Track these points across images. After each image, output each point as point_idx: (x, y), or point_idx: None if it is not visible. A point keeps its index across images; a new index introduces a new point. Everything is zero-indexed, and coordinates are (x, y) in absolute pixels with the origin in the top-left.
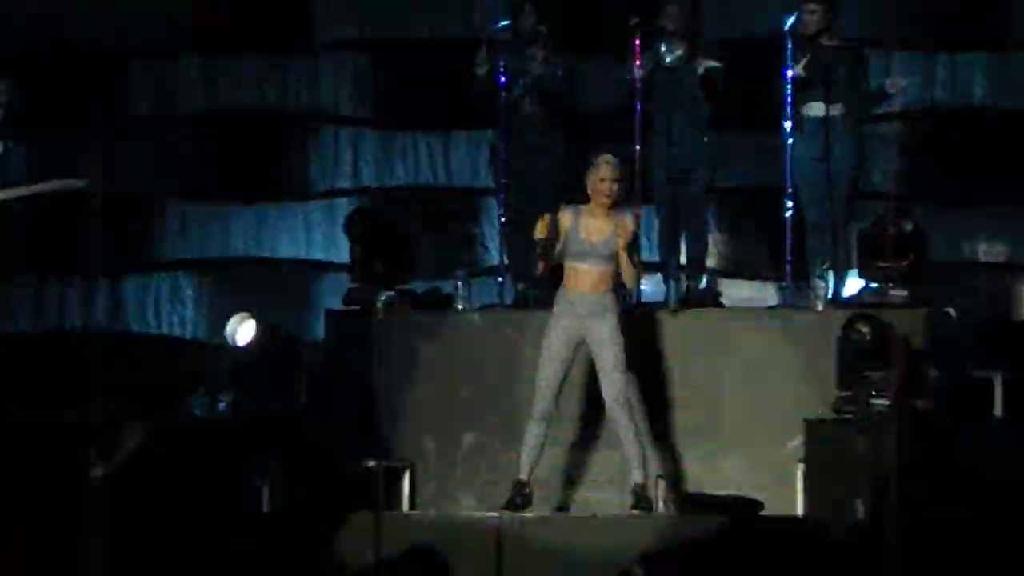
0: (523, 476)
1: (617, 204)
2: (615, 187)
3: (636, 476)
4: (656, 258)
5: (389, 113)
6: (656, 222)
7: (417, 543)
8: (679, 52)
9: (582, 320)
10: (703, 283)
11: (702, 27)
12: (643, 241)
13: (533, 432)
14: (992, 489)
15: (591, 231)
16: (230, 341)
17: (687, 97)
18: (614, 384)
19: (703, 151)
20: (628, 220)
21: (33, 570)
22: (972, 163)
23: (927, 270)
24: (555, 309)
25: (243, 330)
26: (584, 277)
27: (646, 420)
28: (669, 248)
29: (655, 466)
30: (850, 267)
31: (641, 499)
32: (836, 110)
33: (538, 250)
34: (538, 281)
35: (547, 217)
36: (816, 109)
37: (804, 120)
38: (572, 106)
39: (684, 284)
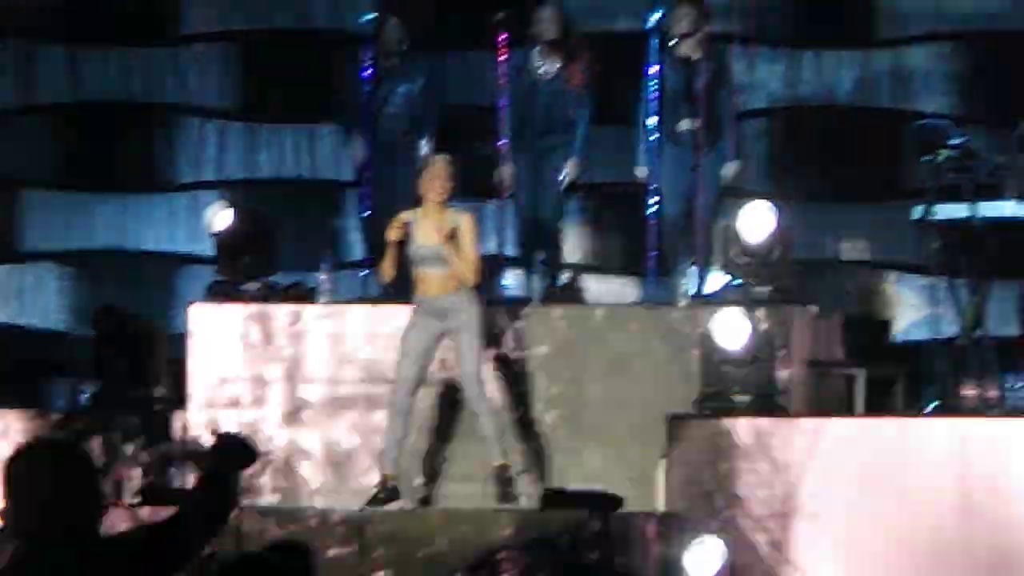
0: (388, 471)
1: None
2: (447, 185)
3: (495, 456)
4: (515, 253)
5: (254, 105)
6: (516, 219)
7: (281, 536)
8: (553, 65)
9: (439, 318)
10: (563, 279)
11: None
12: (505, 236)
13: (393, 427)
14: None
15: (427, 234)
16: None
17: (553, 107)
18: (471, 363)
19: (562, 152)
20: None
21: None
22: (835, 160)
23: (791, 267)
24: (412, 312)
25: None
26: (431, 280)
27: (502, 409)
28: (529, 243)
29: (519, 459)
30: (709, 264)
31: (503, 482)
32: (697, 123)
33: (387, 252)
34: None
35: (399, 219)
36: (685, 124)
37: (677, 134)
38: (435, 109)
39: (547, 279)
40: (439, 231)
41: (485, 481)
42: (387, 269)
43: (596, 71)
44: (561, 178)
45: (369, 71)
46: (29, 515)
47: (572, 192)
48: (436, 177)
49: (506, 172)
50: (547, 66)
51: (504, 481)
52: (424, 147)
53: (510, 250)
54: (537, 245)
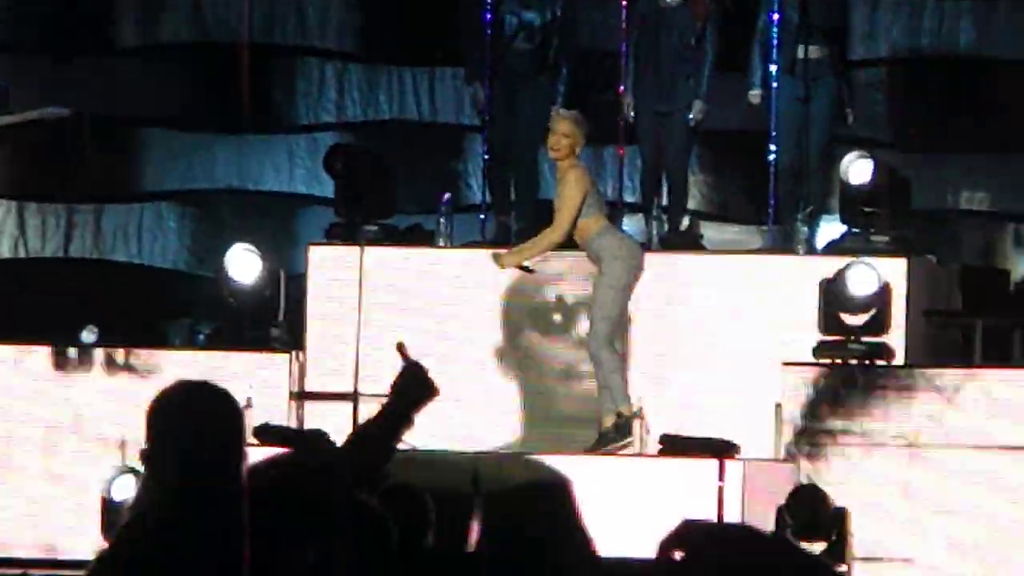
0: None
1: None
2: (563, 142)
3: (617, 402)
4: (636, 199)
5: (375, 47)
6: (639, 163)
7: (397, 480)
8: None
9: (591, 264)
10: (682, 225)
11: None
12: (626, 182)
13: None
14: None
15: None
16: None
17: (678, 39)
18: (598, 308)
19: (688, 94)
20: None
21: None
22: (956, 110)
23: (909, 217)
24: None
25: (857, 168)
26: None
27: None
28: (650, 189)
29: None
30: (824, 212)
31: (620, 428)
32: (819, 52)
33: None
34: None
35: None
36: (805, 52)
37: (789, 62)
38: (566, 47)
39: (665, 225)
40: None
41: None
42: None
43: (722, 3)
44: (689, 119)
45: (489, 15)
46: (176, 458)
47: (695, 135)
48: (552, 132)
49: (628, 115)
50: None
51: (621, 427)
52: (559, 89)
53: (629, 195)
54: (659, 190)
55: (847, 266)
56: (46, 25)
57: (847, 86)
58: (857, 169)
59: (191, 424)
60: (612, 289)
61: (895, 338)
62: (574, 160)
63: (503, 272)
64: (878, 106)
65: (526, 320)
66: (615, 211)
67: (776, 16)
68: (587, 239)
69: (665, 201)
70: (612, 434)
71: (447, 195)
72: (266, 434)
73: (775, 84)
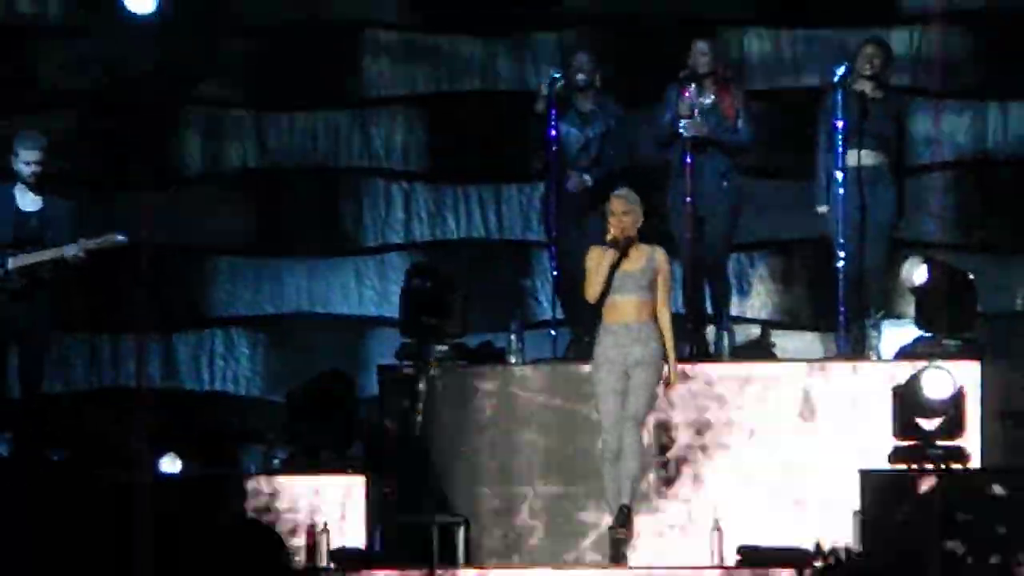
0: (617, 522)
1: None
2: (624, 220)
3: (625, 496)
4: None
5: (440, 167)
6: (679, 272)
7: None
8: (711, 97)
9: (625, 348)
10: (753, 334)
11: (733, 69)
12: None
13: (608, 474)
14: None
15: (624, 263)
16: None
17: (710, 142)
18: (641, 401)
19: (728, 199)
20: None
21: None
22: (1022, 211)
23: (978, 319)
24: (598, 347)
25: (918, 272)
26: (624, 307)
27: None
28: (694, 296)
29: (706, 515)
30: (890, 316)
31: (622, 518)
32: (876, 159)
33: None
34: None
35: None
36: (853, 158)
37: (847, 169)
38: (622, 156)
39: (734, 334)
40: (636, 260)
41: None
42: (597, 286)
43: (743, 99)
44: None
45: (554, 131)
46: None
47: (732, 234)
48: (613, 212)
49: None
50: (703, 97)
51: (625, 516)
52: (587, 180)
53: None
54: (699, 298)
55: (921, 370)
56: (108, 157)
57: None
58: (915, 272)
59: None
60: (657, 377)
61: (971, 442)
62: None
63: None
64: (946, 210)
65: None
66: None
67: (841, 123)
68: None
69: (709, 308)
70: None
71: (517, 311)
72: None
73: (841, 191)
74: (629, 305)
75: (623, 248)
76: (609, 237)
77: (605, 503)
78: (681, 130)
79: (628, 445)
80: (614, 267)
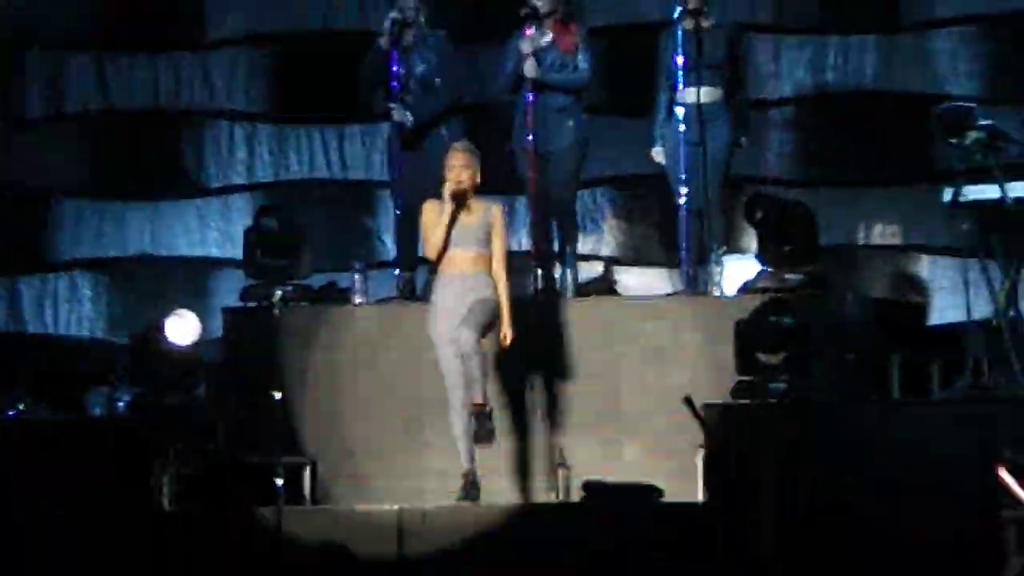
0: (467, 464)
1: (466, 192)
2: (463, 173)
3: (478, 396)
4: (525, 247)
5: (283, 107)
6: (523, 212)
7: (322, 538)
8: (549, 35)
9: (461, 296)
10: (597, 271)
11: (574, 7)
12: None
13: (458, 422)
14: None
15: (461, 220)
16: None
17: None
18: (472, 319)
19: (571, 136)
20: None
21: None
22: (864, 145)
23: (822, 253)
24: (433, 296)
25: (183, 329)
26: (459, 260)
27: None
28: (539, 234)
29: (556, 455)
30: (732, 252)
31: (481, 418)
32: (714, 95)
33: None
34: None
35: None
36: (691, 95)
37: (687, 106)
38: (452, 90)
39: (577, 271)
40: (473, 215)
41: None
42: (438, 243)
43: (584, 36)
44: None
45: (396, 69)
46: None
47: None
48: (452, 166)
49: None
50: (543, 36)
51: (482, 417)
52: (443, 133)
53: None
54: (547, 236)
55: (762, 304)
56: None
57: (739, 119)
58: (753, 206)
59: None
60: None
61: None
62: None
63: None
64: (786, 145)
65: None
66: (525, 262)
67: (681, 59)
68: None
69: (556, 246)
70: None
71: (361, 252)
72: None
73: (682, 127)
74: (466, 258)
75: (459, 203)
76: (446, 191)
77: (456, 447)
78: (524, 72)
79: (466, 351)
80: (452, 221)
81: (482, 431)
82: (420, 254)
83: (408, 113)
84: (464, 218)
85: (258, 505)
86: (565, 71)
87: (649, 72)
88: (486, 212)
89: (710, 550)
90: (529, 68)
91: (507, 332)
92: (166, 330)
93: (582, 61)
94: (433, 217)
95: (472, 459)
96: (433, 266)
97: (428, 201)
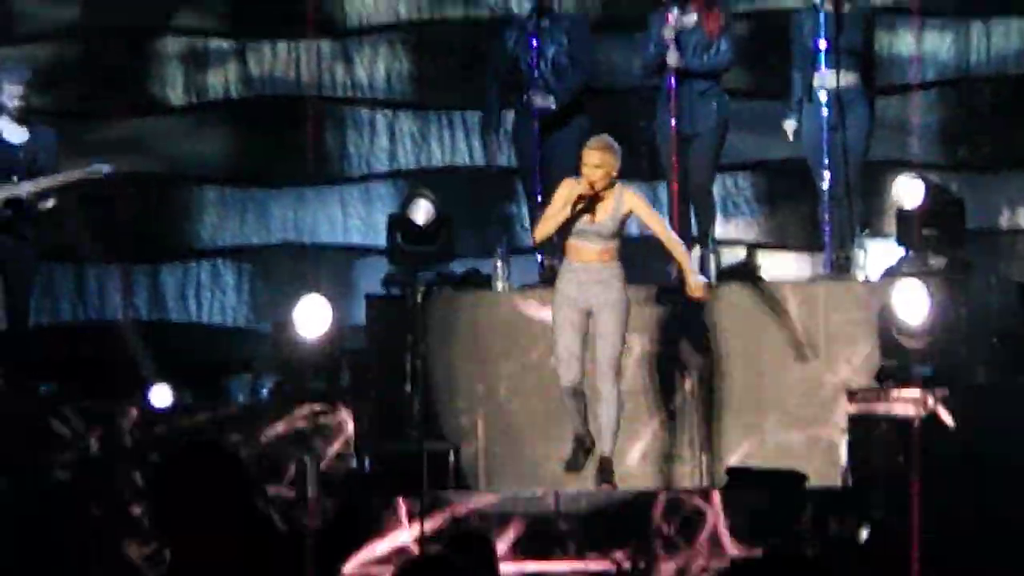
0: (582, 435)
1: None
2: (595, 173)
3: (606, 447)
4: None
5: (424, 95)
6: (664, 195)
7: (463, 523)
8: (693, 16)
9: (586, 288)
10: (739, 256)
11: None
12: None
13: (571, 404)
14: None
15: (594, 212)
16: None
17: (697, 60)
18: (610, 345)
19: (713, 118)
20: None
21: None
22: (1007, 128)
23: (965, 237)
24: (559, 283)
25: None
26: (586, 250)
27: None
28: (678, 220)
29: (697, 441)
30: (872, 235)
31: (605, 473)
32: (852, 78)
33: (569, 211)
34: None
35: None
36: (830, 79)
37: (826, 90)
38: (582, 73)
39: (720, 256)
40: (604, 208)
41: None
42: (546, 232)
43: (730, 18)
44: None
45: (534, 56)
46: (175, 518)
47: (719, 156)
48: (585, 164)
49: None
50: (685, 18)
51: (606, 473)
52: (583, 125)
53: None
54: (686, 223)
55: (898, 288)
56: (87, 88)
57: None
58: (908, 190)
59: (192, 484)
60: (625, 320)
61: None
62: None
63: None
64: (929, 129)
65: None
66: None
67: (823, 43)
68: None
69: (694, 230)
70: (600, 477)
71: (502, 238)
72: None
73: (825, 111)
74: (592, 250)
75: (588, 204)
76: (579, 190)
77: (574, 434)
78: (668, 61)
79: (606, 394)
80: (575, 217)
81: (607, 480)
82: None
83: (551, 97)
84: (590, 217)
85: (402, 492)
86: (707, 54)
87: (788, 55)
88: (617, 203)
89: (852, 536)
90: (672, 57)
91: (694, 284)
92: (295, 320)
93: (724, 44)
94: (565, 194)
95: (589, 432)
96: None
97: (567, 181)
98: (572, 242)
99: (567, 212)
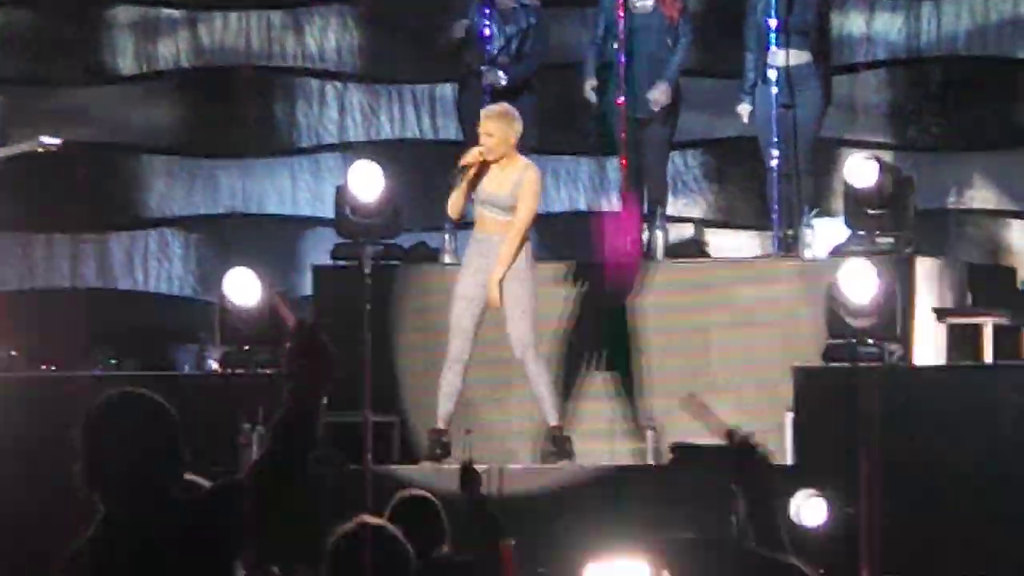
0: (440, 425)
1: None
2: (488, 140)
3: (551, 419)
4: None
5: (374, 66)
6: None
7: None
8: (650, 2)
9: (489, 259)
10: (688, 233)
11: None
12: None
13: (447, 378)
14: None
15: (493, 180)
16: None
17: (654, 43)
18: (519, 323)
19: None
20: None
21: None
22: (957, 109)
23: (913, 216)
24: (465, 252)
25: (864, 171)
26: (490, 221)
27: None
28: (629, 197)
29: (642, 418)
30: (823, 215)
31: (556, 442)
32: (803, 57)
33: (459, 182)
34: None
35: (472, 153)
36: (780, 58)
37: (777, 68)
38: (537, 55)
39: (668, 233)
40: (505, 180)
41: (609, 440)
42: (456, 204)
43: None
44: (651, 106)
45: (488, 31)
46: (105, 470)
47: (671, 139)
48: (480, 131)
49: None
50: (640, 3)
51: (558, 441)
52: (501, 78)
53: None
54: (652, 199)
55: (845, 267)
56: (37, 55)
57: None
58: (861, 171)
59: (124, 436)
60: (534, 293)
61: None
62: (520, 158)
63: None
64: (879, 108)
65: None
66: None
67: (774, 22)
68: None
69: (645, 209)
70: (548, 452)
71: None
72: None
73: (775, 90)
74: (492, 220)
75: (478, 171)
76: (469, 157)
77: (438, 407)
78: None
79: (529, 371)
80: (473, 185)
81: (561, 454)
82: None
83: (501, 74)
84: (490, 186)
85: (348, 463)
86: (667, 42)
87: (741, 35)
88: (519, 177)
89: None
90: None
91: (492, 293)
92: (225, 289)
93: (683, 34)
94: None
95: (448, 420)
96: None
97: (472, 149)
98: (477, 210)
99: (463, 185)
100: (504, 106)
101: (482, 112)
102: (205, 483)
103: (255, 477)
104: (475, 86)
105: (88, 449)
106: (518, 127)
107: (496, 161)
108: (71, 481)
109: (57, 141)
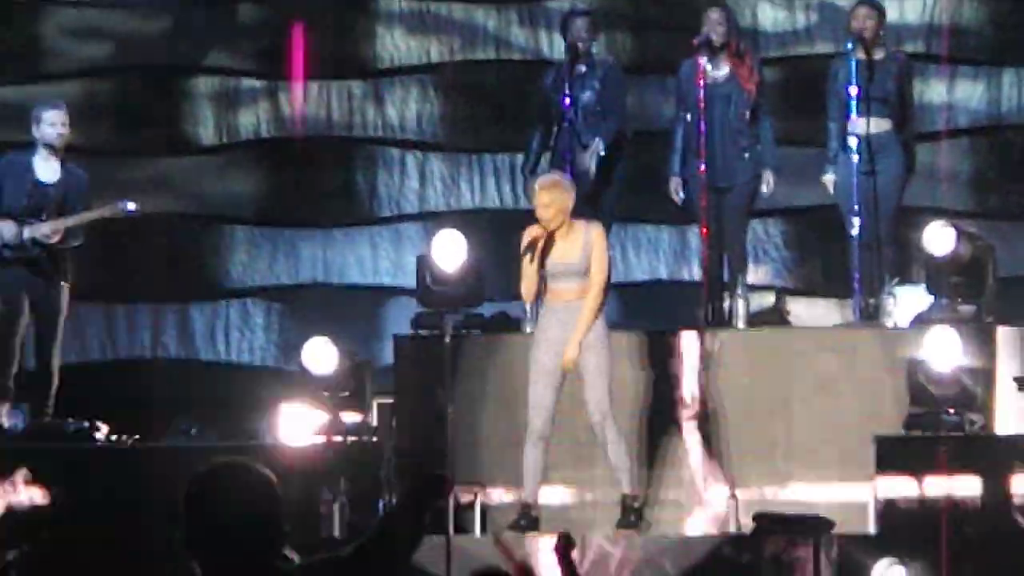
0: (528, 499)
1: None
2: (546, 212)
3: (625, 487)
4: (697, 277)
5: (455, 136)
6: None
7: (488, 566)
8: (725, 68)
9: (568, 327)
10: (768, 302)
11: (740, 37)
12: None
13: (531, 455)
14: None
15: (560, 250)
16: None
17: (733, 113)
18: (597, 387)
19: (745, 169)
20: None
21: None
22: None
23: (996, 285)
24: (539, 325)
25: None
26: (563, 292)
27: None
28: (709, 266)
29: (722, 484)
30: (902, 282)
31: (630, 511)
32: (884, 125)
33: (527, 262)
34: None
35: (530, 234)
36: (862, 126)
37: (858, 137)
38: (615, 114)
39: (749, 302)
40: (572, 245)
41: (687, 507)
42: (529, 287)
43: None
44: (745, 193)
45: (568, 99)
46: (206, 535)
47: (751, 210)
48: (537, 204)
49: (677, 196)
50: (717, 69)
51: (631, 511)
52: (590, 157)
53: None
54: (718, 268)
55: (929, 336)
56: (119, 125)
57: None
58: (939, 238)
59: (226, 502)
60: (610, 358)
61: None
62: (577, 221)
63: None
64: (961, 176)
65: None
66: (696, 292)
67: (855, 90)
68: None
69: (726, 277)
70: (622, 520)
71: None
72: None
73: (856, 158)
74: (567, 289)
75: (544, 245)
76: (530, 235)
77: (524, 482)
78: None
79: (603, 438)
80: (543, 260)
81: (629, 524)
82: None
83: (594, 161)
84: (558, 255)
85: (428, 534)
86: (745, 111)
87: (823, 103)
88: (586, 238)
89: None
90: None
91: (571, 350)
92: (304, 358)
93: (763, 115)
94: (526, 243)
95: (535, 495)
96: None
97: (528, 229)
98: (549, 285)
99: (534, 266)
100: (555, 175)
101: (536, 185)
102: (294, 555)
103: (357, 555)
104: (560, 160)
105: (192, 515)
106: (572, 193)
107: (557, 229)
108: (169, 546)
109: (135, 206)
